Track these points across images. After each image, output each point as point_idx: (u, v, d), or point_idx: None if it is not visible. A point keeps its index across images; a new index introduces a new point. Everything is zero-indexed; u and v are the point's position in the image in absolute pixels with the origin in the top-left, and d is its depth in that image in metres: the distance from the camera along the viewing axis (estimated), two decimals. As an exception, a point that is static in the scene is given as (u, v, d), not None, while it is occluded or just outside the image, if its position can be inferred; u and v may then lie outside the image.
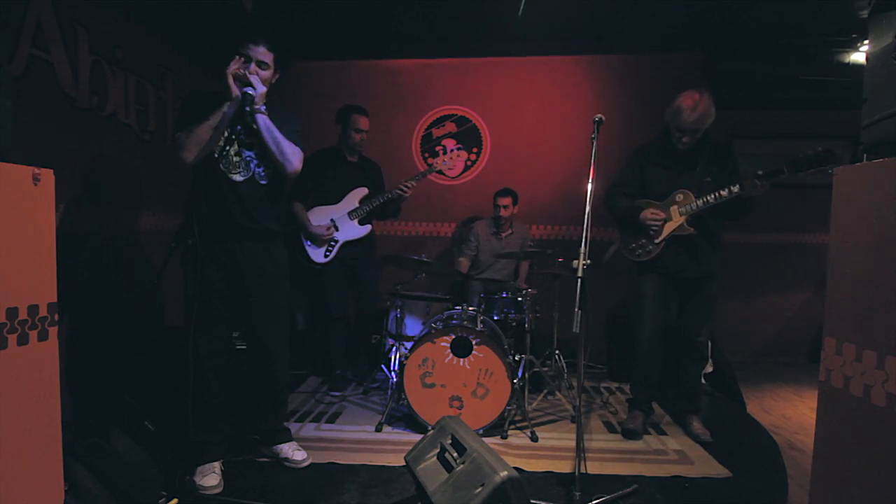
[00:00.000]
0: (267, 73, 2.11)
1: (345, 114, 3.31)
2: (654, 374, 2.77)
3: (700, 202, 2.50)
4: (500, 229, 3.82)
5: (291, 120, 2.23)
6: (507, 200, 3.74)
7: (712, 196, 2.46)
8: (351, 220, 3.29)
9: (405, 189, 3.24)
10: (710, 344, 3.66)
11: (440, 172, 3.67)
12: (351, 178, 3.33)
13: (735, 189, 2.40)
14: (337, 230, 3.26)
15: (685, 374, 2.80)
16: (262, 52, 2.08)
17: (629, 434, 2.70)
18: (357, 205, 3.29)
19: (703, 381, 3.64)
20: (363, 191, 3.32)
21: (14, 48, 2.13)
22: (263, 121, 2.06)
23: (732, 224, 4.71)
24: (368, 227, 3.34)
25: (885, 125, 1.27)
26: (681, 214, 2.56)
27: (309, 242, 3.24)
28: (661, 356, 2.75)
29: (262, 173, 2.18)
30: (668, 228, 2.60)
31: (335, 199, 3.30)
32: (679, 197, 2.56)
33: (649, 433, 2.79)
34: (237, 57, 2.04)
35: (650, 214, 2.60)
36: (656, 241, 2.62)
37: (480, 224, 3.92)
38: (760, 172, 2.33)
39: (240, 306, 2.21)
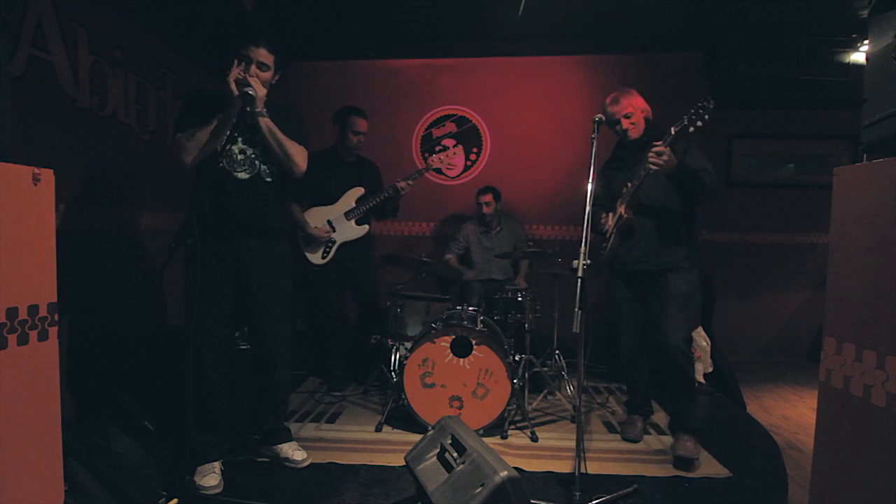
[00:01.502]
0: (267, 75, 2.10)
1: (343, 115, 3.29)
2: (640, 375, 2.71)
3: (630, 186, 2.40)
4: (488, 228, 3.83)
5: (292, 116, 2.22)
6: (488, 197, 3.76)
7: (637, 178, 2.36)
8: (348, 220, 3.28)
9: (401, 187, 3.24)
10: (707, 347, 3.65)
11: (438, 171, 3.66)
12: (348, 179, 3.32)
13: (647, 168, 2.26)
14: (334, 231, 3.26)
15: (669, 389, 2.50)
16: (263, 54, 2.07)
17: (629, 441, 2.67)
18: (353, 205, 3.29)
19: (703, 381, 3.64)
20: (359, 190, 3.31)
21: (14, 48, 2.13)
22: (266, 125, 2.06)
23: (733, 224, 4.79)
24: (366, 228, 3.33)
25: (885, 125, 1.27)
26: (621, 203, 2.48)
27: (305, 245, 3.23)
28: (643, 356, 2.66)
29: (268, 170, 2.17)
30: (612, 221, 2.54)
31: (332, 199, 3.29)
32: (624, 190, 2.48)
33: (649, 433, 2.78)
34: (237, 62, 2.02)
35: (602, 218, 2.60)
36: (606, 236, 2.57)
37: (468, 225, 3.93)
38: (657, 142, 2.26)
39: (243, 305, 2.21)
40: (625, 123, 2.48)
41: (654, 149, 2.22)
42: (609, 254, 2.55)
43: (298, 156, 2.14)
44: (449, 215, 4.47)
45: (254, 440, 2.43)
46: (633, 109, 2.47)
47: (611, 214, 2.57)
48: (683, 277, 2.44)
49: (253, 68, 2.05)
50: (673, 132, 2.22)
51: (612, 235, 2.52)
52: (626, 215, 2.44)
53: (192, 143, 2.00)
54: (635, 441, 2.66)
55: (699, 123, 2.18)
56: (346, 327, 3.54)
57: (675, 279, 2.44)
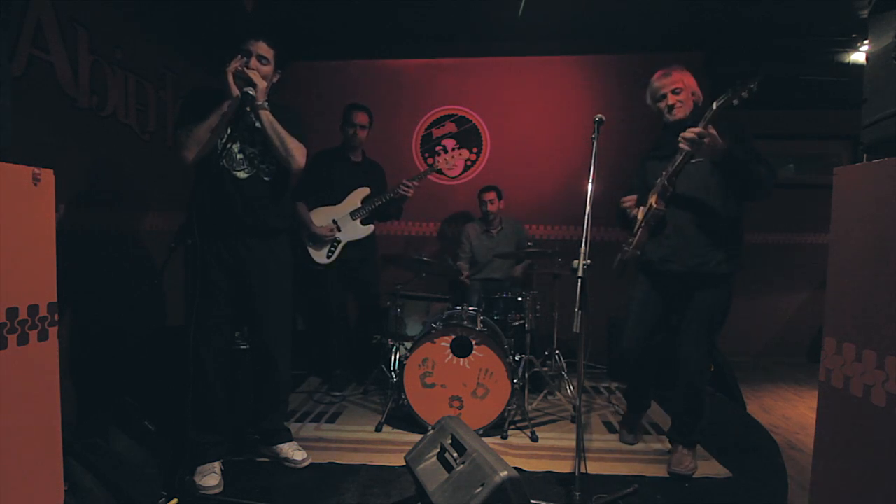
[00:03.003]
0: (267, 69, 2.10)
1: (344, 111, 3.33)
2: (640, 382, 2.59)
3: (666, 172, 2.17)
4: (489, 227, 3.83)
5: (292, 114, 2.22)
6: (491, 195, 3.76)
7: (672, 166, 2.11)
8: (353, 220, 3.29)
9: (407, 188, 3.24)
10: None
11: (440, 172, 3.67)
12: (354, 179, 3.33)
13: (682, 150, 2.04)
14: (339, 231, 3.26)
15: (676, 399, 2.37)
16: (263, 48, 2.08)
17: (626, 444, 2.63)
18: (359, 205, 3.29)
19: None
20: (365, 190, 3.32)
21: (14, 48, 2.13)
22: (266, 117, 2.06)
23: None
24: (371, 227, 3.34)
25: (885, 125, 1.27)
26: (653, 193, 2.22)
27: (311, 243, 3.23)
28: (645, 363, 2.47)
29: (266, 170, 2.17)
30: (642, 213, 2.29)
31: (337, 199, 3.29)
32: (660, 178, 2.23)
33: (649, 433, 2.78)
34: (237, 55, 2.04)
35: (625, 201, 2.37)
36: (634, 230, 2.31)
37: (470, 226, 3.93)
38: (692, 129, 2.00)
39: (242, 305, 2.21)
40: (671, 98, 2.23)
41: (691, 132, 1.96)
42: (634, 250, 2.30)
43: (297, 150, 2.14)
44: (449, 215, 4.47)
45: (254, 440, 2.43)
46: (684, 86, 2.24)
47: (641, 208, 2.32)
48: (715, 289, 2.19)
49: (253, 61, 2.06)
50: (714, 107, 1.94)
51: (640, 229, 2.26)
52: (656, 205, 2.17)
53: (192, 139, 2.00)
54: (632, 444, 2.62)
55: (744, 94, 1.89)
56: (347, 327, 3.55)
57: (706, 291, 2.18)
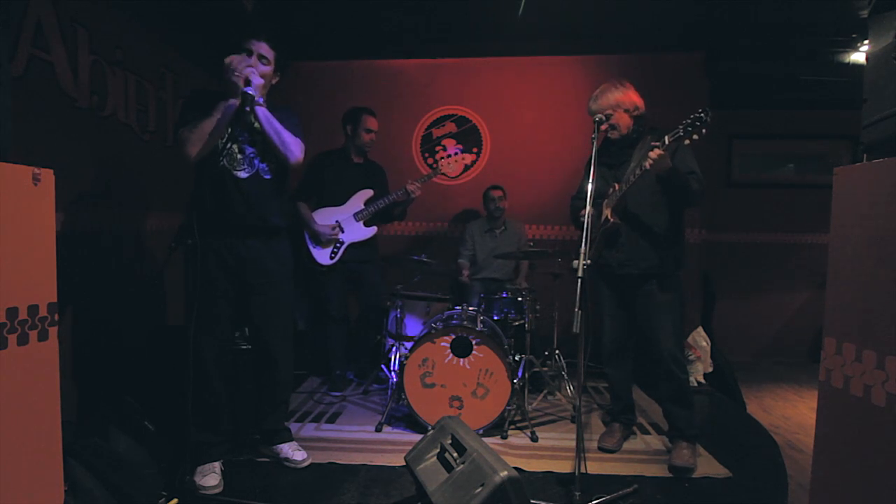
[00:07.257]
0: (267, 70, 2.12)
1: (354, 114, 3.31)
2: (622, 378, 2.63)
3: (617, 188, 2.34)
4: (493, 226, 3.83)
5: (291, 114, 2.24)
6: (498, 192, 3.79)
7: (625, 182, 2.28)
8: (356, 221, 3.29)
9: (412, 190, 3.24)
10: (707, 347, 3.65)
11: (443, 174, 3.68)
12: (356, 180, 3.33)
13: (644, 166, 2.17)
14: (342, 231, 3.25)
15: (663, 397, 2.47)
16: (264, 49, 2.10)
17: (606, 451, 2.54)
18: (362, 206, 3.29)
19: (703, 381, 3.64)
20: (368, 192, 3.32)
21: (14, 48, 2.13)
22: (263, 113, 2.07)
23: (733, 224, 4.79)
24: (374, 229, 3.34)
25: (885, 125, 1.27)
26: (607, 206, 2.40)
27: (313, 244, 3.22)
28: (626, 360, 2.60)
29: (266, 168, 2.18)
30: (599, 222, 2.45)
31: (340, 200, 3.29)
32: (610, 191, 2.39)
33: (649, 433, 2.78)
34: (239, 53, 2.06)
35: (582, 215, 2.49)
36: (585, 234, 2.45)
37: (473, 224, 3.94)
38: (655, 143, 2.14)
39: (243, 305, 2.22)
40: (604, 126, 2.38)
41: (657, 153, 2.11)
42: (593, 253, 2.39)
43: (295, 144, 2.15)
44: (448, 215, 4.47)
45: (254, 440, 2.43)
46: (613, 110, 2.37)
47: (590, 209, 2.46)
48: (669, 283, 2.38)
49: (253, 59, 2.07)
50: (668, 141, 2.10)
51: (597, 236, 2.44)
52: (612, 219, 2.37)
53: (195, 135, 2.01)
54: (612, 451, 2.54)
55: (696, 137, 2.04)
56: (347, 327, 3.55)
57: (661, 286, 2.37)
